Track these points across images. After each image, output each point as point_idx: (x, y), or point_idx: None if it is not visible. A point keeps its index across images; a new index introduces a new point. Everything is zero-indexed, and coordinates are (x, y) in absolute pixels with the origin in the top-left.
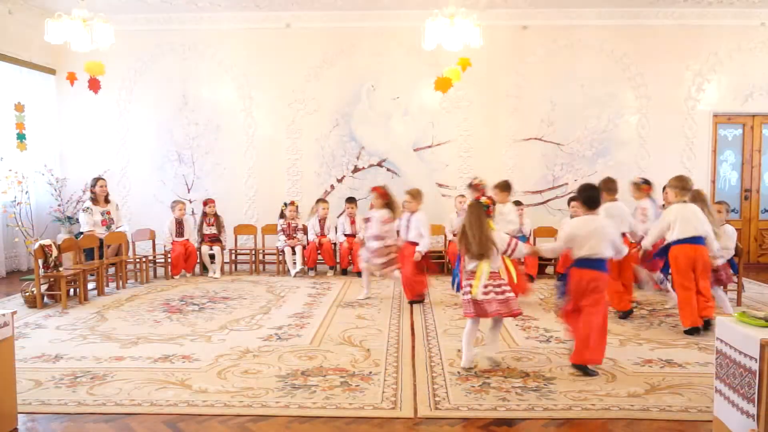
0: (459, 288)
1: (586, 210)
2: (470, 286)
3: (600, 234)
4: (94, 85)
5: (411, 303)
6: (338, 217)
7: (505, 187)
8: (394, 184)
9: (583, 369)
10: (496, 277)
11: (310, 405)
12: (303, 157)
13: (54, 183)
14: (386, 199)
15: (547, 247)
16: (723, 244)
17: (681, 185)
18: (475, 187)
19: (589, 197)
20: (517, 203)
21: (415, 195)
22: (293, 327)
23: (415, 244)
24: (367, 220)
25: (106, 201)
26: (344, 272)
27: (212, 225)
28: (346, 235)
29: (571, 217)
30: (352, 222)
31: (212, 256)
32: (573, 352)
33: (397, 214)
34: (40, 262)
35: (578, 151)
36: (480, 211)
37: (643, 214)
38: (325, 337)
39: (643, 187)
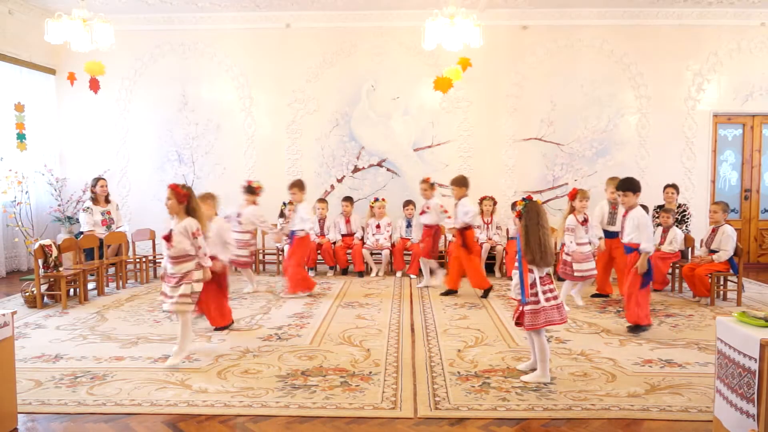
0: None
1: (636, 199)
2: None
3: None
4: (94, 85)
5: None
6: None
7: (301, 186)
8: (394, 184)
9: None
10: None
11: (310, 405)
12: (303, 157)
13: (54, 183)
14: (186, 202)
15: (648, 245)
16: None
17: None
18: (254, 189)
19: (639, 187)
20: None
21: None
22: (293, 327)
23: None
24: (167, 237)
25: (107, 201)
26: (344, 272)
27: None
28: (342, 235)
29: (610, 211)
30: (347, 221)
31: None
32: (630, 314)
33: (204, 226)
34: (40, 262)
35: (578, 151)
36: (544, 211)
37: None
38: (325, 337)
39: (434, 186)
